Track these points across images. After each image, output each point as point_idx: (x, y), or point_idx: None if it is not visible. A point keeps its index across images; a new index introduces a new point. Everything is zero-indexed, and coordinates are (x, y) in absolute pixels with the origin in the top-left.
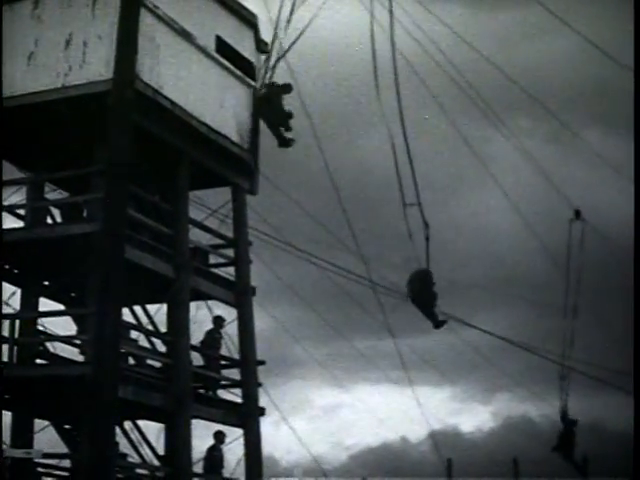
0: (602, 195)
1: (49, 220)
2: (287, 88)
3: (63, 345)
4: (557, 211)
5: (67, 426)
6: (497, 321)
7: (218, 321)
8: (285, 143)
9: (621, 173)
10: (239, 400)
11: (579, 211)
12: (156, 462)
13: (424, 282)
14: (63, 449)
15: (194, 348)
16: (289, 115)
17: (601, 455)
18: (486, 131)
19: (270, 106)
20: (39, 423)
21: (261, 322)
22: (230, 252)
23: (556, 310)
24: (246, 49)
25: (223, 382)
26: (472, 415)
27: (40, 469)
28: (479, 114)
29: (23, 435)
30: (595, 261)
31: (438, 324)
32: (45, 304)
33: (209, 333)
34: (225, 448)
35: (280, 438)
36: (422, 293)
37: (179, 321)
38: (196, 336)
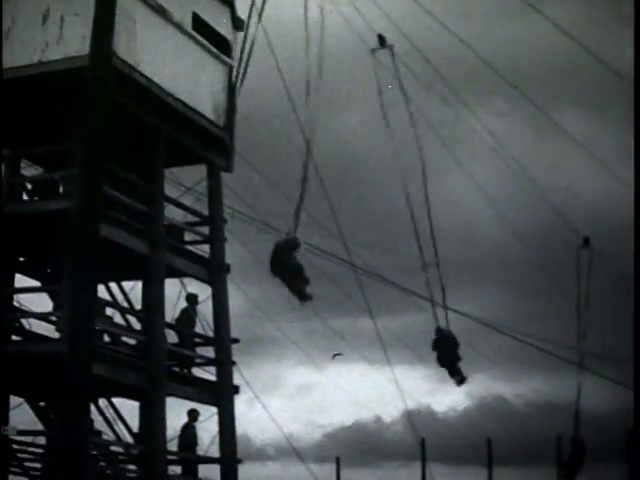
0: (573, 175)
1: (25, 196)
2: (295, 242)
3: (39, 322)
4: (529, 194)
5: (42, 403)
6: (472, 302)
7: (192, 299)
8: (304, 298)
9: (592, 153)
10: (213, 378)
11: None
12: (131, 440)
13: (450, 346)
14: (38, 426)
15: (169, 326)
16: (300, 270)
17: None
18: (462, 113)
19: (285, 265)
20: (14, 400)
21: (236, 300)
22: (205, 230)
23: (530, 291)
24: (223, 26)
25: (197, 360)
26: (446, 395)
27: (15, 446)
28: (454, 97)
29: None
30: (569, 245)
31: (461, 381)
32: (21, 280)
33: (184, 311)
34: (199, 426)
35: (254, 417)
36: (447, 354)
37: (154, 298)
38: (171, 314)
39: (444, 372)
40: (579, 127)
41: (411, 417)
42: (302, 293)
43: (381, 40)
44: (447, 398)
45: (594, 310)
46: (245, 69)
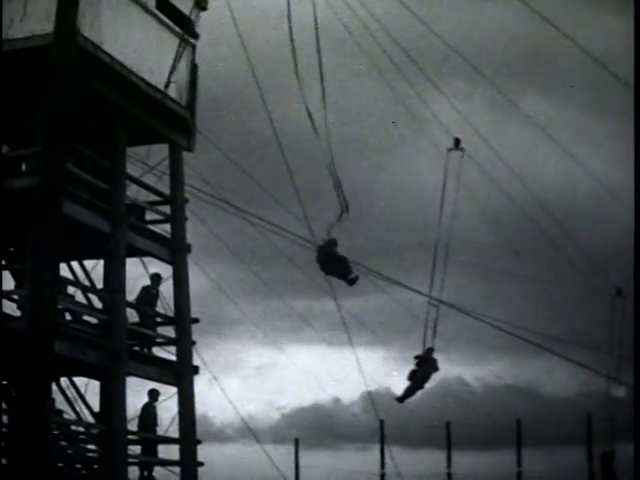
0: (535, 157)
1: None
2: (334, 242)
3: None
4: (490, 176)
5: (4, 382)
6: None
7: (154, 278)
8: (352, 282)
9: (554, 136)
10: (173, 358)
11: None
12: (91, 419)
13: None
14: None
15: (130, 305)
16: (346, 260)
17: (534, 419)
18: (421, 94)
19: (331, 261)
20: None
21: (196, 280)
22: (166, 209)
23: (492, 273)
24: (185, 6)
25: (158, 339)
26: (405, 377)
27: None
28: (414, 77)
29: None
30: (529, 226)
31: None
32: None
33: (144, 289)
34: (159, 406)
35: (214, 397)
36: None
37: (115, 277)
38: (132, 293)
39: (405, 354)
40: (541, 110)
41: (368, 399)
42: (352, 278)
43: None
44: (407, 381)
45: (558, 293)
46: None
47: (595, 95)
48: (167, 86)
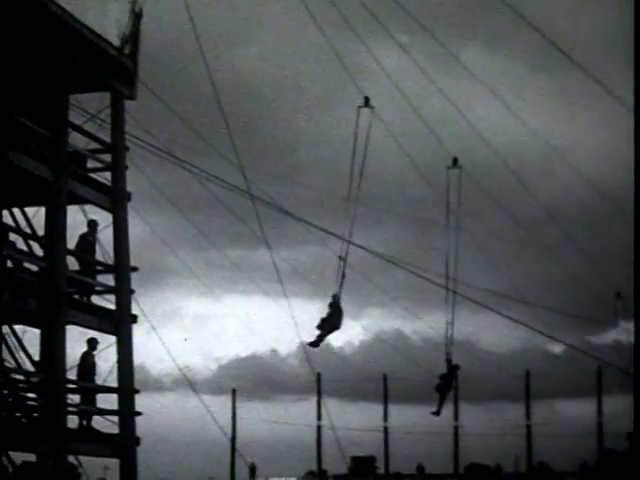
0: (476, 110)
1: None
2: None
3: None
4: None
5: None
6: (372, 237)
7: (91, 225)
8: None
9: (495, 90)
10: (113, 307)
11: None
12: (31, 368)
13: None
14: None
15: (70, 252)
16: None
17: (473, 374)
18: (360, 45)
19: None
20: None
21: (136, 229)
22: (108, 157)
23: (430, 228)
24: None
25: (97, 288)
26: (343, 329)
27: None
28: (354, 27)
29: None
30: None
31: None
32: None
33: (82, 237)
34: (98, 355)
35: (152, 348)
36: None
37: (56, 225)
38: (73, 241)
39: (342, 305)
40: (481, 64)
41: (307, 351)
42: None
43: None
44: (345, 333)
45: (495, 248)
46: None
47: (536, 52)
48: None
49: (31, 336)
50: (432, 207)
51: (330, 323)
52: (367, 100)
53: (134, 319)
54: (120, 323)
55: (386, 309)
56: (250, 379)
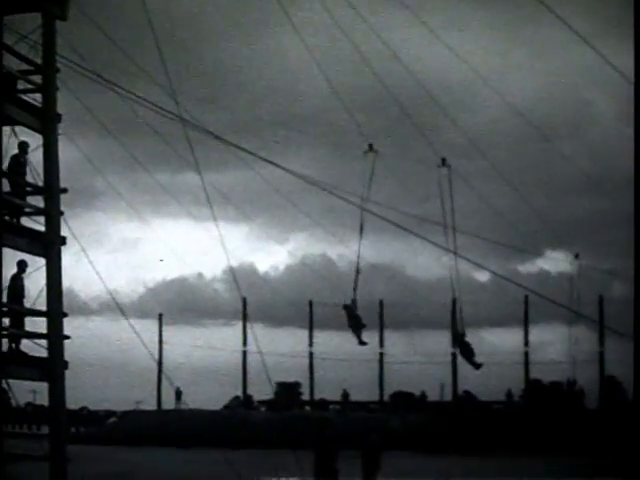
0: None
1: None
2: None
3: None
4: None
5: None
6: (297, 160)
7: (22, 146)
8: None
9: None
10: (42, 229)
11: None
12: None
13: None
14: None
15: (2, 173)
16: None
17: (399, 301)
18: None
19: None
20: None
21: (66, 151)
22: (38, 79)
23: (354, 151)
24: None
25: (27, 209)
26: (268, 254)
27: None
28: None
29: None
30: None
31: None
32: None
33: (13, 158)
34: (27, 278)
35: (81, 271)
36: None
37: None
38: (4, 163)
39: (268, 230)
40: None
41: (233, 274)
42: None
43: None
44: (270, 258)
45: (420, 176)
46: None
47: None
48: None
49: None
50: (355, 130)
51: (357, 326)
52: None
53: (63, 241)
54: (49, 245)
55: (311, 233)
56: (176, 303)
